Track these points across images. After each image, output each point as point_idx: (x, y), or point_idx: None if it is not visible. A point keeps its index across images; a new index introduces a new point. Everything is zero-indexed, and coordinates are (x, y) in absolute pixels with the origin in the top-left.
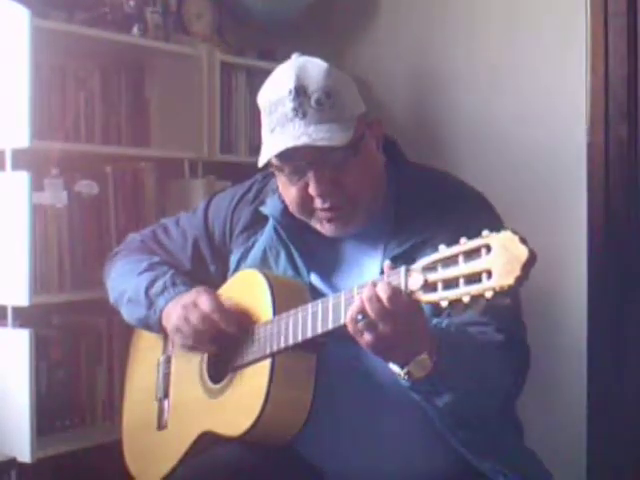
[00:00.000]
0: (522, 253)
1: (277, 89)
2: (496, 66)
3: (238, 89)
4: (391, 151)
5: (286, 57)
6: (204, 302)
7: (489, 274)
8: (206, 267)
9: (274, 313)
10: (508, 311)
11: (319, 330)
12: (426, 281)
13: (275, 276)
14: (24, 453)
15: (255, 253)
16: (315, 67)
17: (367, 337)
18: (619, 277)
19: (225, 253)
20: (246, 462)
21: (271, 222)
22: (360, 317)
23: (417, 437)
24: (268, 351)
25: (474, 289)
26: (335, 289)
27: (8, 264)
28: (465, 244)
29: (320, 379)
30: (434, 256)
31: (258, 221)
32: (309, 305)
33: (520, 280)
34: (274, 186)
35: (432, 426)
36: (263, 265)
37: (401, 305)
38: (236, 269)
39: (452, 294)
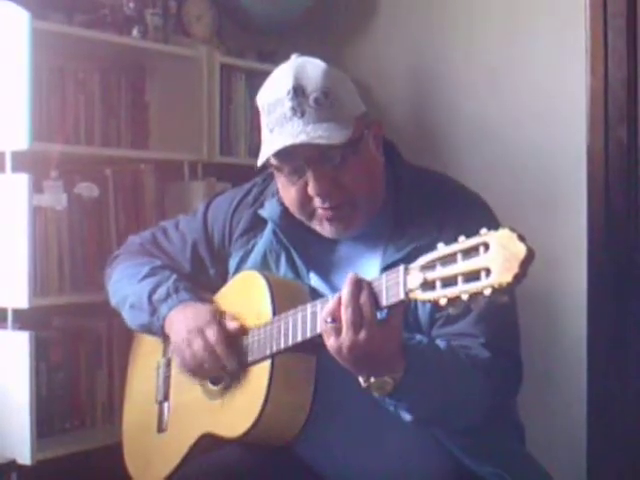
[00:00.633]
0: (520, 250)
1: (276, 89)
2: (495, 67)
3: (238, 91)
4: (389, 153)
5: (285, 59)
6: (210, 333)
7: (488, 272)
8: (206, 270)
9: (274, 314)
10: (501, 324)
11: (318, 330)
12: (425, 279)
13: (275, 277)
14: (24, 455)
15: (255, 256)
16: (314, 67)
17: (331, 340)
18: (619, 277)
19: (224, 256)
20: (246, 464)
21: (270, 225)
22: (330, 319)
23: (415, 440)
24: (268, 352)
25: (473, 287)
26: (335, 290)
27: (8, 266)
28: (463, 242)
29: (320, 381)
30: (433, 254)
31: (257, 224)
32: (308, 305)
33: (518, 277)
34: (274, 189)
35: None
36: (263, 268)
37: (371, 323)
38: (236, 272)
39: (451, 292)
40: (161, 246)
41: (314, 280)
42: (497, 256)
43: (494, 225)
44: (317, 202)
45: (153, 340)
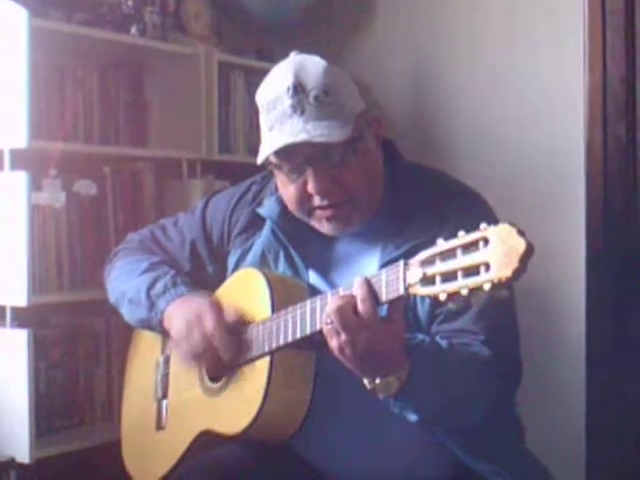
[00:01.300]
0: (520, 245)
1: (275, 87)
2: (494, 65)
3: (236, 89)
4: (388, 151)
5: (284, 57)
6: (208, 322)
7: (487, 266)
8: (204, 268)
9: (273, 311)
10: (501, 322)
11: (317, 327)
12: (424, 274)
13: (274, 274)
14: (23, 453)
15: (254, 254)
16: (313, 65)
17: (333, 341)
18: (617, 276)
19: (223, 254)
20: (244, 462)
21: (268, 223)
22: (329, 321)
23: (415, 438)
24: (267, 349)
25: (472, 281)
26: (334, 287)
27: (7, 264)
28: (463, 237)
29: (321, 379)
30: (432, 250)
31: (256, 222)
32: (307, 302)
33: (518, 272)
34: (272, 187)
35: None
36: (262, 266)
37: (369, 323)
38: (234, 270)
39: (450, 287)
40: (160, 243)
41: (313, 277)
42: (497, 251)
43: (493, 221)
44: (316, 200)
45: (151, 338)
